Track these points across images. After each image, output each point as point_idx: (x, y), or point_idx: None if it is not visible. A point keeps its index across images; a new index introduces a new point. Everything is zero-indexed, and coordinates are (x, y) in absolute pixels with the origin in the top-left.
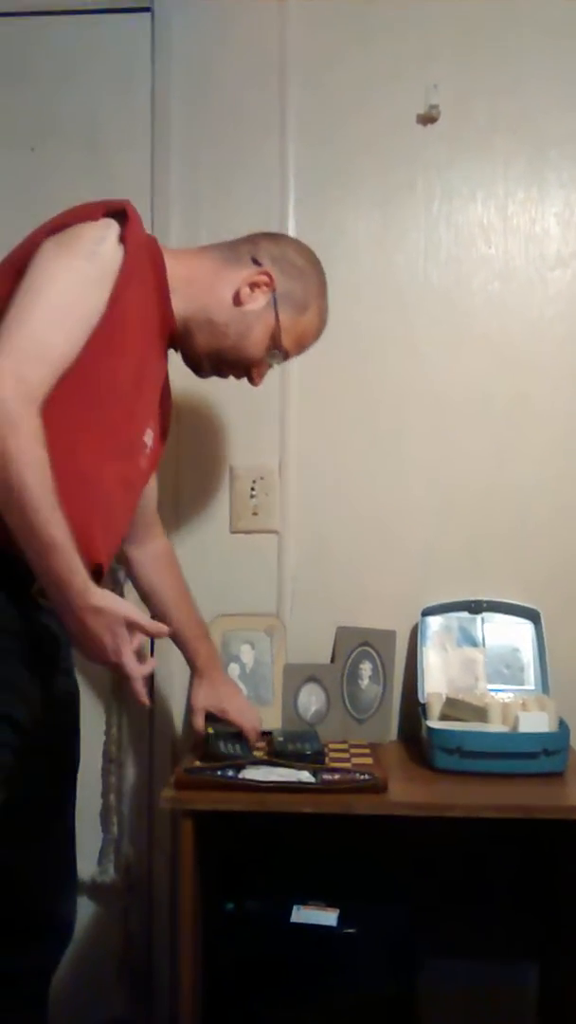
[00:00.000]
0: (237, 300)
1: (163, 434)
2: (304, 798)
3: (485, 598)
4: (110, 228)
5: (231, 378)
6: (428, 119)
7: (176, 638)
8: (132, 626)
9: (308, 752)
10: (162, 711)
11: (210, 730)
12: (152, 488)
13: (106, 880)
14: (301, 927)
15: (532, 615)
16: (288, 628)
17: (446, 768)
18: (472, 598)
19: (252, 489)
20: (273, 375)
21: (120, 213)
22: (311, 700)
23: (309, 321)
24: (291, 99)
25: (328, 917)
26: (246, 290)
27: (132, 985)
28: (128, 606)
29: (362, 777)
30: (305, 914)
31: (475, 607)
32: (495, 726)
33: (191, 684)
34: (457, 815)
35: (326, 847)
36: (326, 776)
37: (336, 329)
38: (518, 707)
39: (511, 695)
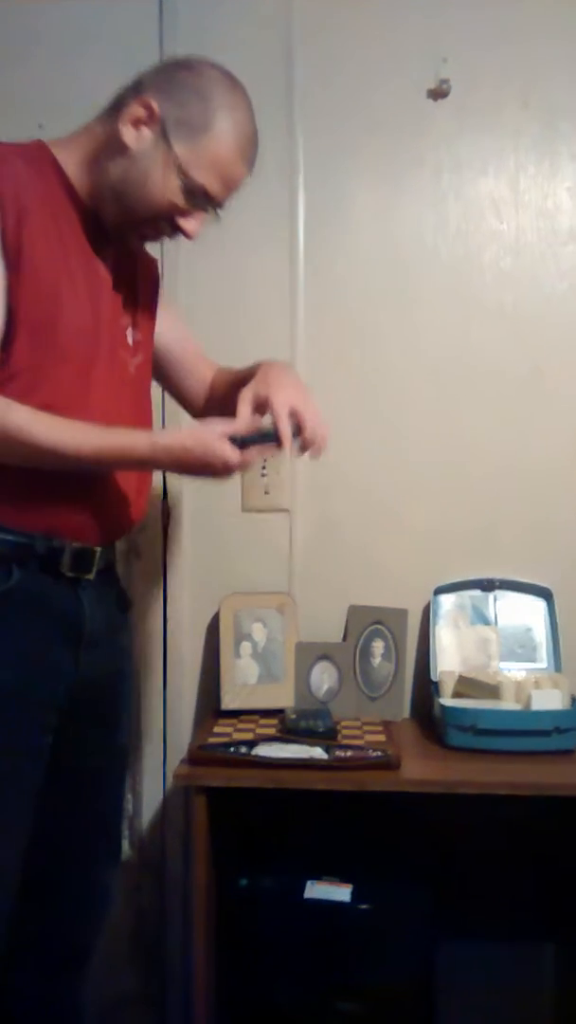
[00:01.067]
0: (123, 147)
1: (150, 325)
2: (317, 775)
3: (497, 576)
4: None
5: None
6: (438, 94)
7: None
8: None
9: (321, 729)
10: (175, 687)
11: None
12: (185, 351)
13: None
14: (315, 903)
15: (545, 593)
16: (300, 606)
17: (459, 746)
18: (484, 576)
19: (263, 468)
20: (283, 351)
21: None
22: (323, 678)
23: (217, 142)
24: (299, 76)
25: (342, 893)
26: (129, 131)
27: (145, 961)
28: (208, 430)
29: (375, 754)
30: (319, 890)
31: (487, 585)
32: (508, 704)
33: None
34: (470, 792)
35: (339, 825)
36: (339, 753)
37: (345, 305)
38: (531, 685)
39: (524, 673)
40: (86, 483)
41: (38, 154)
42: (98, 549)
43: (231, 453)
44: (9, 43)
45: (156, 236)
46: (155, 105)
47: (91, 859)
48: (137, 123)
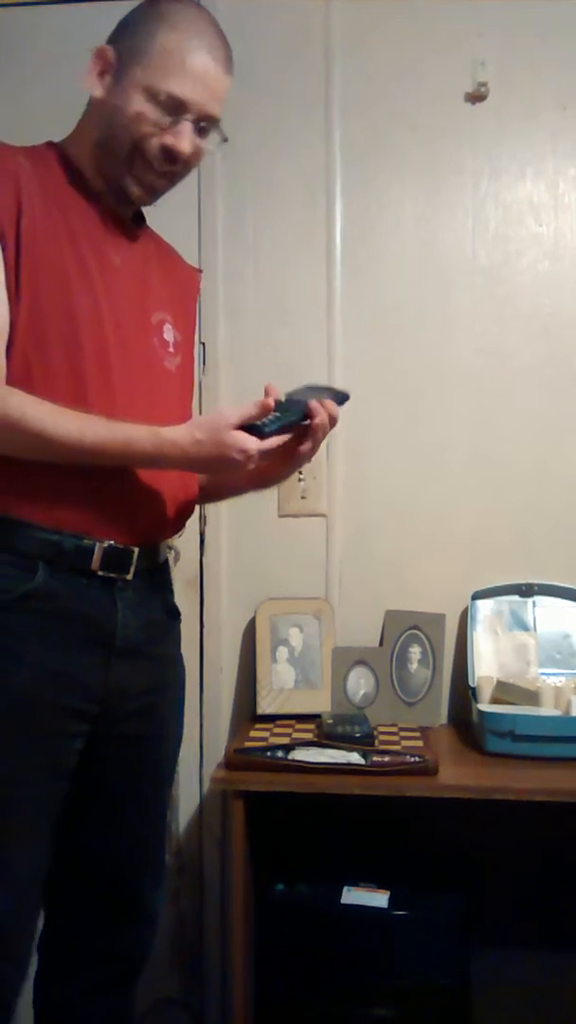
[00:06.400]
0: (96, 103)
1: (189, 331)
2: (354, 780)
3: (536, 581)
4: None
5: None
6: (476, 97)
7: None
8: (236, 422)
9: (358, 734)
10: (212, 691)
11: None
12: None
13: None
14: (351, 908)
15: None
16: (336, 611)
17: (497, 752)
18: (523, 581)
19: (300, 473)
20: (319, 357)
21: None
22: (360, 683)
23: (167, 41)
24: (336, 79)
25: (379, 899)
26: (95, 85)
27: (184, 966)
28: (219, 417)
29: (413, 759)
30: (356, 896)
31: (526, 590)
32: (547, 710)
33: None
34: (508, 798)
35: (376, 831)
36: (376, 758)
37: (382, 310)
38: (571, 691)
39: (563, 679)
40: (118, 478)
41: (45, 152)
42: (135, 549)
43: (248, 440)
44: (38, 49)
45: (154, 175)
46: (108, 50)
47: (135, 883)
48: (100, 74)
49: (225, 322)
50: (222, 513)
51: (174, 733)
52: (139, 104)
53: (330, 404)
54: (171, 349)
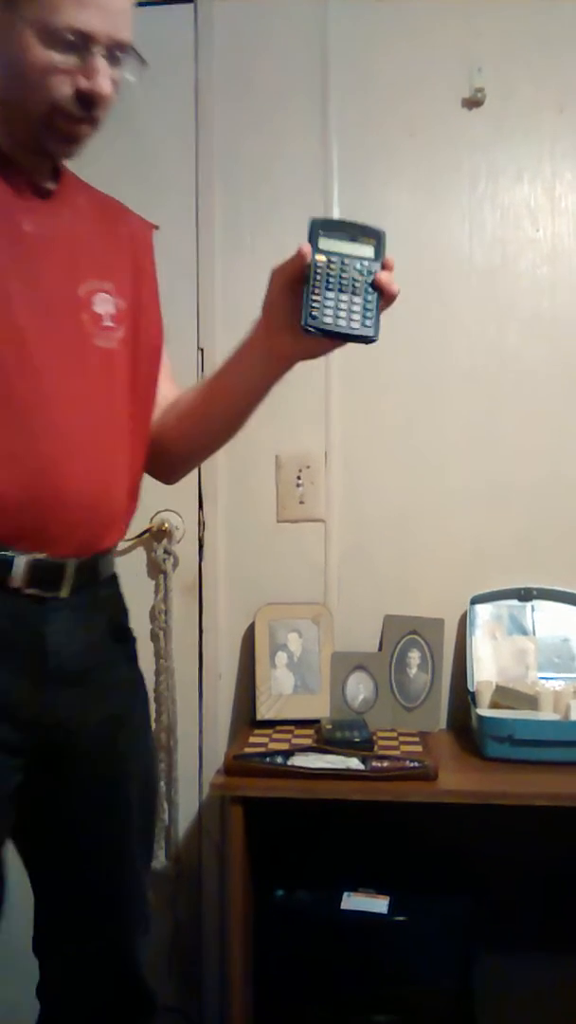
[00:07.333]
0: None
1: (143, 293)
2: (353, 785)
3: (535, 585)
4: None
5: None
6: (473, 102)
7: (228, 377)
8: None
9: (357, 739)
10: (210, 697)
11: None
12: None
13: (156, 867)
14: (351, 914)
15: None
16: (335, 616)
17: (497, 756)
18: (522, 585)
19: (298, 478)
20: (317, 362)
21: None
22: (359, 688)
23: None
24: (334, 85)
25: (379, 904)
26: None
27: (182, 973)
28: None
29: (412, 764)
30: (356, 901)
31: (525, 595)
32: (546, 714)
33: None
34: (508, 803)
35: (376, 836)
36: (375, 763)
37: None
38: (570, 695)
39: (562, 683)
40: (43, 475)
41: None
42: (69, 562)
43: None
44: None
45: (75, 125)
46: None
47: (115, 942)
48: None
49: (223, 329)
50: (220, 519)
51: (143, 769)
52: (37, 51)
53: None
54: (108, 323)
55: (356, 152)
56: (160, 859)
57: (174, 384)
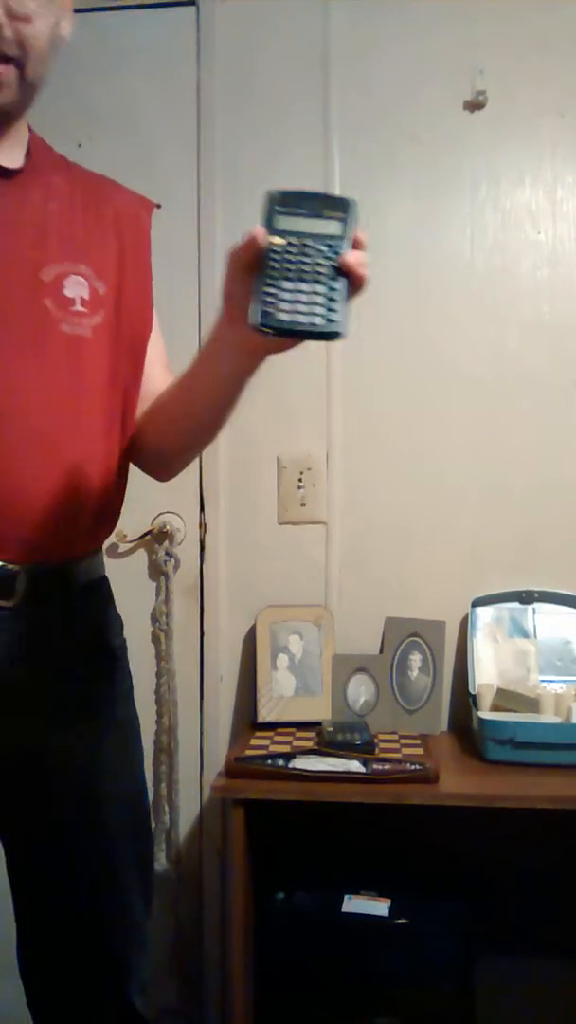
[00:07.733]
0: None
1: (128, 275)
2: (354, 788)
3: (537, 588)
4: None
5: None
6: (475, 106)
7: (201, 370)
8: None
9: (358, 742)
10: (211, 700)
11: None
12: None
13: (157, 870)
14: (352, 917)
15: None
16: (336, 619)
17: (498, 759)
18: (523, 588)
19: (299, 480)
20: (319, 365)
21: None
22: (360, 691)
23: None
24: (335, 88)
25: (380, 907)
26: None
27: (183, 976)
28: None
29: (413, 767)
30: (357, 904)
31: (526, 597)
32: (547, 717)
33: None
34: (509, 806)
35: (377, 839)
36: (376, 766)
37: (380, 317)
38: (571, 698)
39: (563, 686)
40: None
41: None
42: (17, 568)
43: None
44: None
45: None
46: None
47: (82, 955)
48: None
49: None
50: (221, 521)
51: (122, 789)
52: None
53: None
54: (79, 307)
55: (357, 155)
56: (161, 861)
57: (171, 376)
